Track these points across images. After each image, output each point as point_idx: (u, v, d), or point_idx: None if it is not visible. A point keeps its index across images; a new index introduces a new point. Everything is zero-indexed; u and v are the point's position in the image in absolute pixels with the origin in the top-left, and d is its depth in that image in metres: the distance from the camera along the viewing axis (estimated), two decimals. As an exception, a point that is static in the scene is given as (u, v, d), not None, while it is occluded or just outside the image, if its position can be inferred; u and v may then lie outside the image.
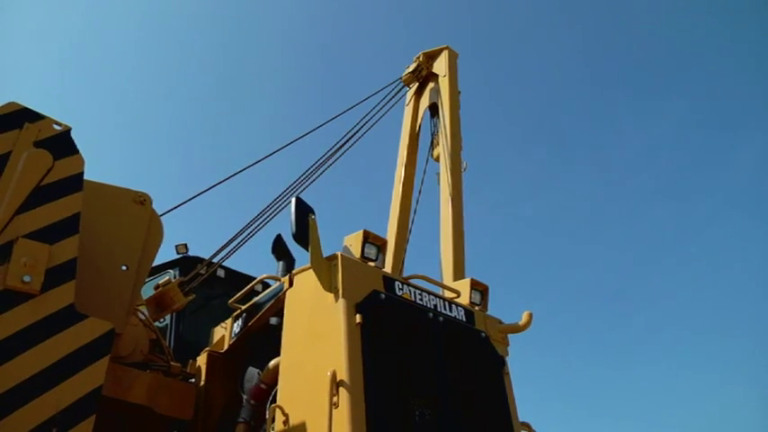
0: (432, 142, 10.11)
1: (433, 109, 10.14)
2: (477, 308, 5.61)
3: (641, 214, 29.59)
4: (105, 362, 4.00)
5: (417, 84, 10.51)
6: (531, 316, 5.63)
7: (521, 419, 5.28)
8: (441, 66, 10.19)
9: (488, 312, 5.69)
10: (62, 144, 4.45)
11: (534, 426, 5.57)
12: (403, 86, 10.44)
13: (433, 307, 5.07)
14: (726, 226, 28.36)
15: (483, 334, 5.36)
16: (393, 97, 10.10)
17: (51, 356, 3.81)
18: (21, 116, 4.37)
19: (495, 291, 5.88)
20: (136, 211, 5.22)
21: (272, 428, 4.48)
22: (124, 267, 5.00)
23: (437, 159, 9.77)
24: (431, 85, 10.32)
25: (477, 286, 5.79)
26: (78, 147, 4.55)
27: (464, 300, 5.61)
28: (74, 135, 4.59)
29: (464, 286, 5.78)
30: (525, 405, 5.41)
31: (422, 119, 10.42)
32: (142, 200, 5.27)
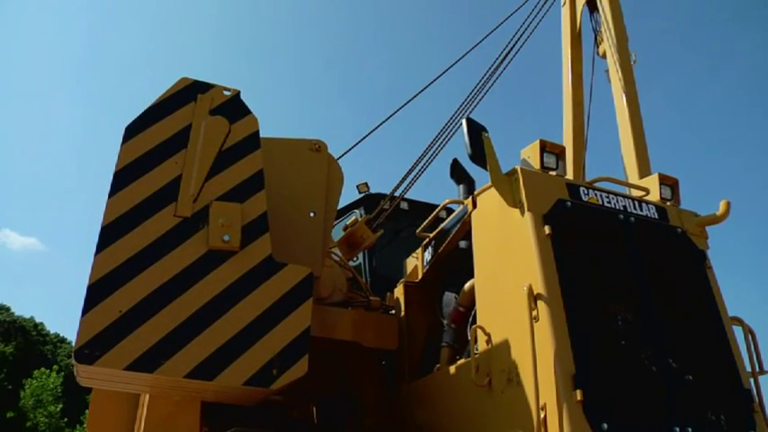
0: (595, 39, 9.60)
1: (591, 4, 9.59)
2: (668, 203, 5.35)
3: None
4: (309, 304, 4.20)
5: (571, -20, 10.01)
6: (728, 205, 5.31)
7: (730, 314, 5.02)
8: (590, -43, 9.61)
9: (681, 206, 5.42)
10: (234, 107, 4.63)
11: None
12: (557, -14, 9.99)
13: (622, 208, 4.88)
14: None
15: (679, 229, 5.10)
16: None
17: (260, 305, 4.06)
18: (193, 89, 4.58)
19: (686, 184, 5.58)
20: (314, 159, 5.36)
21: (476, 349, 4.54)
22: (312, 214, 5.18)
23: (603, 56, 9.28)
24: (585, -22, 9.79)
25: (665, 181, 5.49)
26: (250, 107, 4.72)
27: (654, 197, 5.35)
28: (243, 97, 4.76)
29: (652, 182, 5.50)
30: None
31: (581, 16, 9.91)
32: (317, 147, 5.40)
